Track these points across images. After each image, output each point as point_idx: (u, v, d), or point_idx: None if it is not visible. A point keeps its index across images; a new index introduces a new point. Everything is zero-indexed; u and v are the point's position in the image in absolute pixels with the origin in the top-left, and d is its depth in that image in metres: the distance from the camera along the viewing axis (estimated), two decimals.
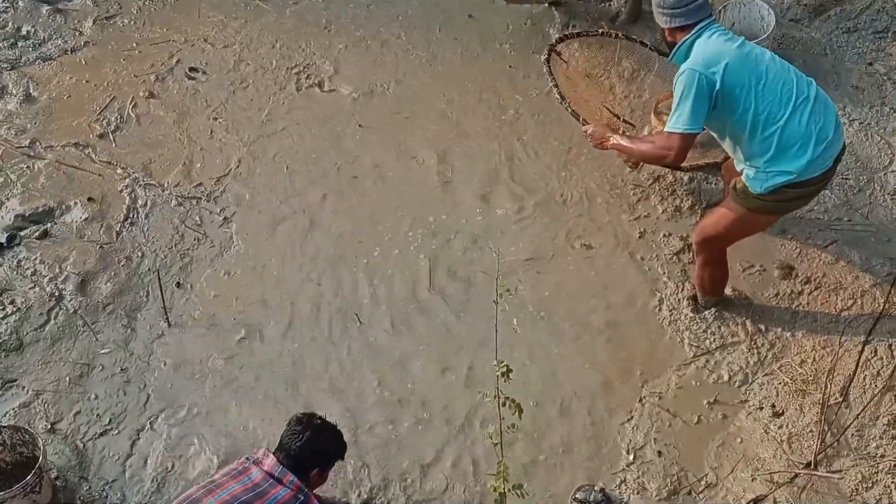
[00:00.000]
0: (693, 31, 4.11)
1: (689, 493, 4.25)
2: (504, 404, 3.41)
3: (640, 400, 4.57)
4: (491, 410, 4.11)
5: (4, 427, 4.34)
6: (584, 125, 4.76)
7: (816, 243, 5.05)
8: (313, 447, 3.64)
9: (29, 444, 4.30)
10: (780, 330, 4.75)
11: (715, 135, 4.29)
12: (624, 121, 5.33)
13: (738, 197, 4.29)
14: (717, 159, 4.85)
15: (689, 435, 4.45)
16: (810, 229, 5.12)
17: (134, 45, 6.24)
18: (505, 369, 3.38)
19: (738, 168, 4.25)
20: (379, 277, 5.06)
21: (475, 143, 5.66)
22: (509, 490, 3.40)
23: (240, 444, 4.44)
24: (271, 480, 3.55)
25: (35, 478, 4.10)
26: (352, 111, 5.83)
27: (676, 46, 4.18)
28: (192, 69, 6.06)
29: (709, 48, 4.06)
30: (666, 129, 4.14)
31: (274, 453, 3.64)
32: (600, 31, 5.55)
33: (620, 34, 5.45)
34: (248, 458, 3.65)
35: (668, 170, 5.33)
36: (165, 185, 5.48)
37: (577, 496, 4.23)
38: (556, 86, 5.02)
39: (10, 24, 6.34)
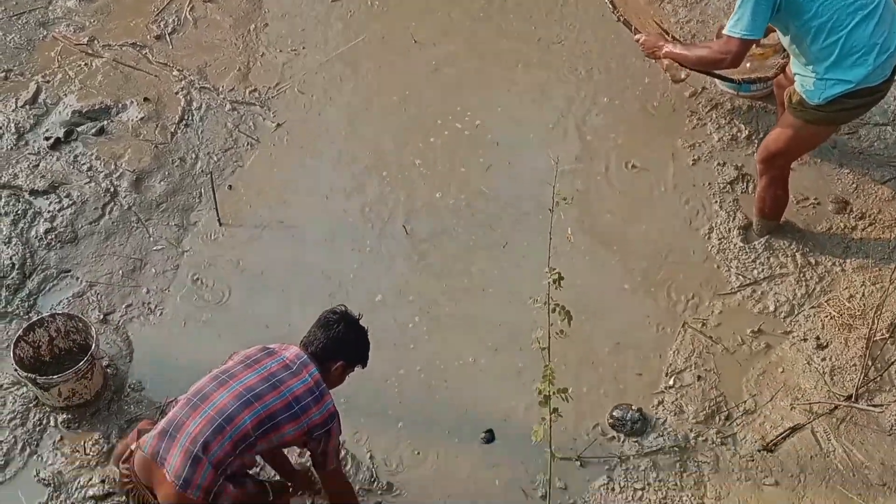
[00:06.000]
0: None
1: (727, 417, 4.27)
2: (554, 310, 3.42)
3: (683, 325, 4.56)
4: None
5: (59, 314, 4.44)
6: (635, 34, 4.67)
7: (874, 179, 4.97)
8: (345, 339, 3.52)
9: (82, 331, 4.41)
10: (830, 264, 4.71)
11: (778, 31, 4.20)
12: (672, 37, 5.21)
13: (795, 110, 4.23)
14: (768, 73, 4.74)
15: (730, 362, 4.45)
16: (868, 164, 5.03)
17: None
18: (557, 276, 3.39)
19: (795, 71, 4.17)
20: (426, 183, 5.09)
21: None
22: (554, 393, 3.42)
23: (281, 338, 4.46)
24: (290, 370, 3.42)
25: (87, 364, 4.21)
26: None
27: None
28: None
29: None
30: (724, 32, 4.09)
31: (300, 344, 3.52)
32: None
33: None
34: (265, 347, 3.55)
35: (726, 97, 5.26)
36: (220, 89, 5.50)
37: (613, 413, 4.27)
38: None
39: None
